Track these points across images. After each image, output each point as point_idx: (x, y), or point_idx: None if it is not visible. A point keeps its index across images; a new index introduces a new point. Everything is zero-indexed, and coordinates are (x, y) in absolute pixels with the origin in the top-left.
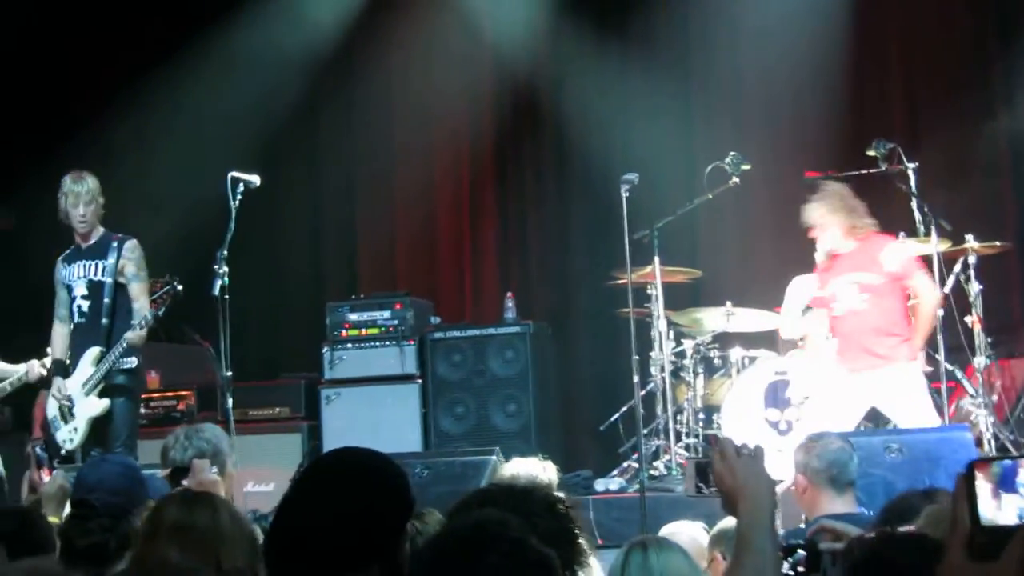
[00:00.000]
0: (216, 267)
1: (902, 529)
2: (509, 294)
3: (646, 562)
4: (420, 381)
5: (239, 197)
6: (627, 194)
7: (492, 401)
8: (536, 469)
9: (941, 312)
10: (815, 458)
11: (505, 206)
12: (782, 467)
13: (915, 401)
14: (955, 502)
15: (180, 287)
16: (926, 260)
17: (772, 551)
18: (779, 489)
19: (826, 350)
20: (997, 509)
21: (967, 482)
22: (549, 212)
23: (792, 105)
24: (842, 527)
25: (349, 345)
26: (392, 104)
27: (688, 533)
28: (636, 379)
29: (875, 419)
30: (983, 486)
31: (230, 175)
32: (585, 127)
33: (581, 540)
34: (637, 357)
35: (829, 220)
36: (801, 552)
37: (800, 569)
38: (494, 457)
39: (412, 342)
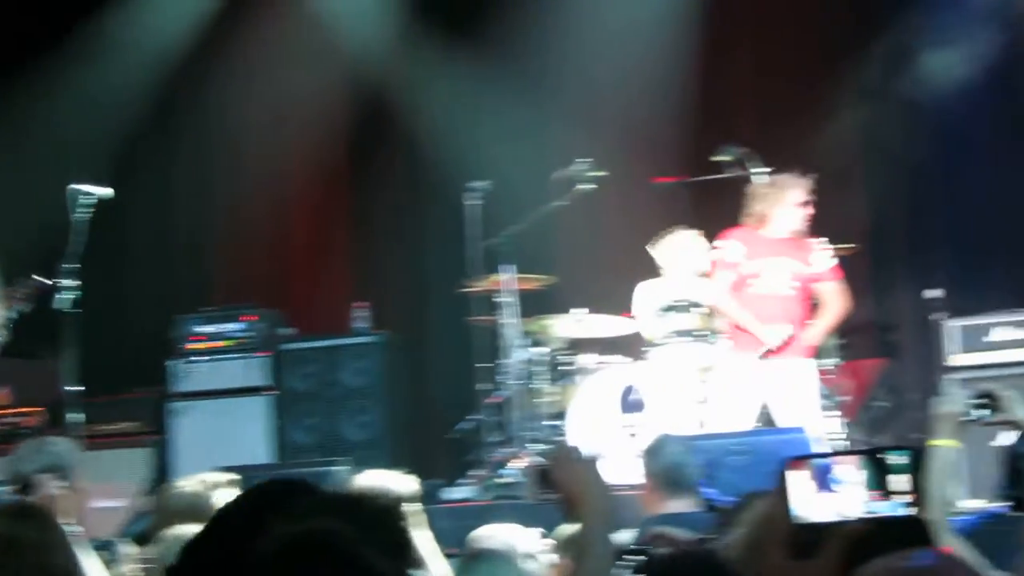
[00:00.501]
0: (61, 280)
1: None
2: (360, 304)
3: (479, 572)
4: (272, 393)
5: (84, 209)
6: (476, 201)
7: (344, 412)
8: (391, 481)
9: None
10: (654, 461)
11: (358, 214)
12: (635, 471)
13: (810, 397)
14: (772, 502)
15: (49, 281)
16: None
17: (610, 556)
18: None
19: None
20: (816, 508)
21: (782, 482)
22: (403, 220)
23: (645, 111)
24: (674, 533)
25: (200, 358)
26: (245, 110)
27: (501, 538)
28: (483, 387)
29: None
30: (805, 485)
31: (71, 187)
32: (439, 133)
33: (414, 549)
34: (485, 364)
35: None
36: (641, 557)
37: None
38: (343, 468)
39: (263, 354)
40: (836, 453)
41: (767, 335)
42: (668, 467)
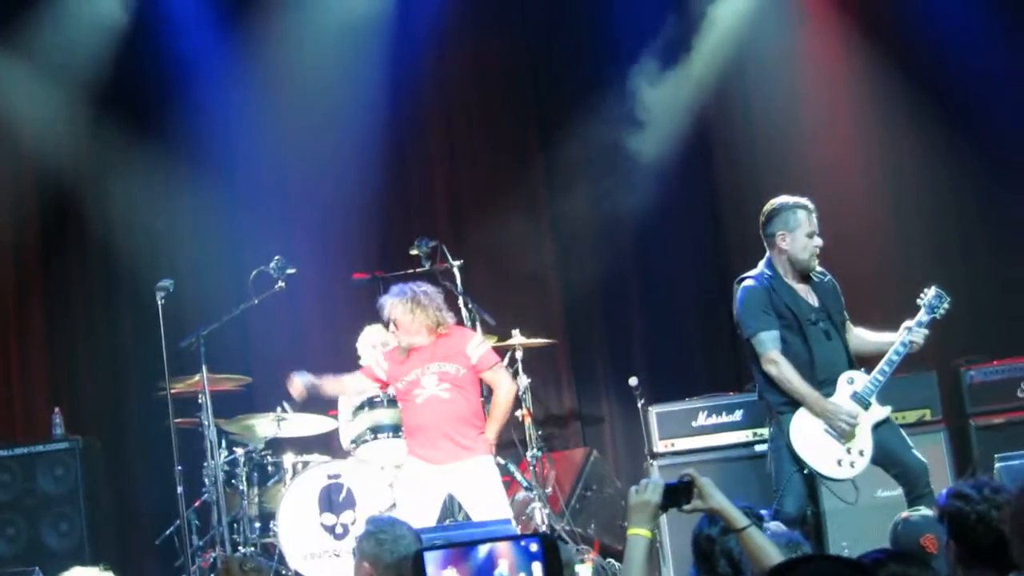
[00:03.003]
0: None
1: None
2: (56, 409)
3: None
4: None
5: None
6: (163, 301)
7: (44, 520)
8: None
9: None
10: (387, 552)
11: (52, 317)
12: (339, 570)
13: (493, 493)
14: None
15: None
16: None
17: None
18: None
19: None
20: None
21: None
22: (97, 322)
23: (338, 207)
24: None
25: None
26: None
27: None
28: (180, 490)
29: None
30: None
31: None
32: (131, 233)
33: None
34: (180, 468)
35: (413, 318)
36: None
37: None
38: None
39: None
40: (467, 544)
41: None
42: (400, 561)
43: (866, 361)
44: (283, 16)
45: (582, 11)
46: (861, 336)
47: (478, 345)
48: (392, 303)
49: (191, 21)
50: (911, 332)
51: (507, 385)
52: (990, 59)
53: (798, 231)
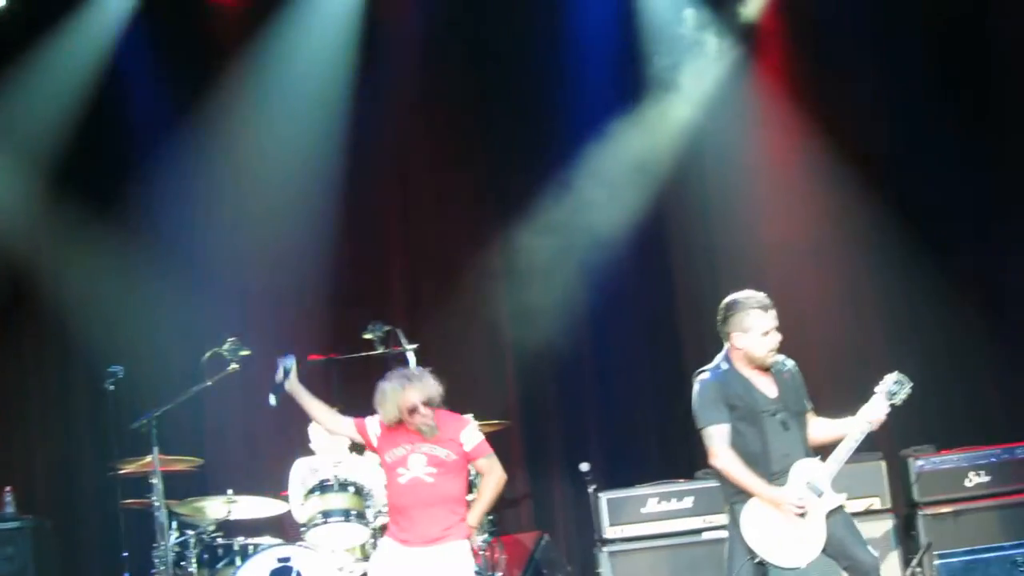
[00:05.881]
0: None
1: None
2: (8, 488)
3: None
4: None
5: None
6: (112, 387)
7: None
8: None
9: None
10: None
11: (5, 395)
12: None
13: None
14: None
15: None
16: None
17: None
18: None
19: None
20: None
21: None
22: (51, 402)
23: (294, 290)
24: None
25: None
26: None
27: None
28: (136, 572)
29: None
30: None
31: None
32: (86, 311)
33: None
34: (126, 553)
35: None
36: None
37: None
38: None
39: None
40: None
41: None
42: None
43: (828, 449)
44: (242, 100)
45: (543, 96)
46: (821, 426)
47: (473, 432)
48: (425, 383)
49: (151, 103)
50: (865, 420)
51: (498, 473)
52: (942, 155)
53: (753, 331)
